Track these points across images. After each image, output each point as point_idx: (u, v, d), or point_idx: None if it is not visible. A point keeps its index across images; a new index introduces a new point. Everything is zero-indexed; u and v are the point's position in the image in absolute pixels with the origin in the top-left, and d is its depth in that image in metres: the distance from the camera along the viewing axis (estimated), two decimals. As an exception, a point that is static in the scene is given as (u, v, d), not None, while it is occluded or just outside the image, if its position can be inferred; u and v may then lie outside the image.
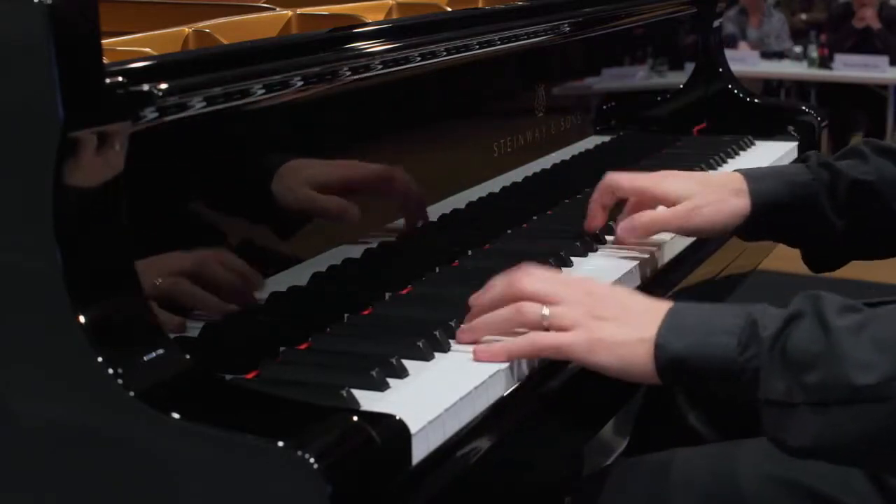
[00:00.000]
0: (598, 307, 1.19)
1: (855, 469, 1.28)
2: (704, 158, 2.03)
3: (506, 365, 1.18)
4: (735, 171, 1.59)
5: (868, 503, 1.27)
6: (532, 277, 1.23)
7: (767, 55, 8.04)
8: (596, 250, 1.57)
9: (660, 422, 1.68)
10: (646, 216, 1.53)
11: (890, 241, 1.61)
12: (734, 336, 1.13)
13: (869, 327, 1.09)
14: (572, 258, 1.52)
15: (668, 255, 1.62)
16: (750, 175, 1.57)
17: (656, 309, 1.18)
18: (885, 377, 1.06)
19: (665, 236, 1.60)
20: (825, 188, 1.56)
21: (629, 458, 1.50)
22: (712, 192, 1.53)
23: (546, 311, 1.19)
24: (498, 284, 1.24)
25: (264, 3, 1.59)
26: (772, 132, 2.29)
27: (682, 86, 2.36)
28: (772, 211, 1.55)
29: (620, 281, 1.46)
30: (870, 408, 1.06)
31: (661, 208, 1.55)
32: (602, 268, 1.50)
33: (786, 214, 1.56)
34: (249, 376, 1.14)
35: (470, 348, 1.21)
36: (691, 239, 1.67)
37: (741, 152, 2.17)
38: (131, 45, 1.25)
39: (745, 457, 1.34)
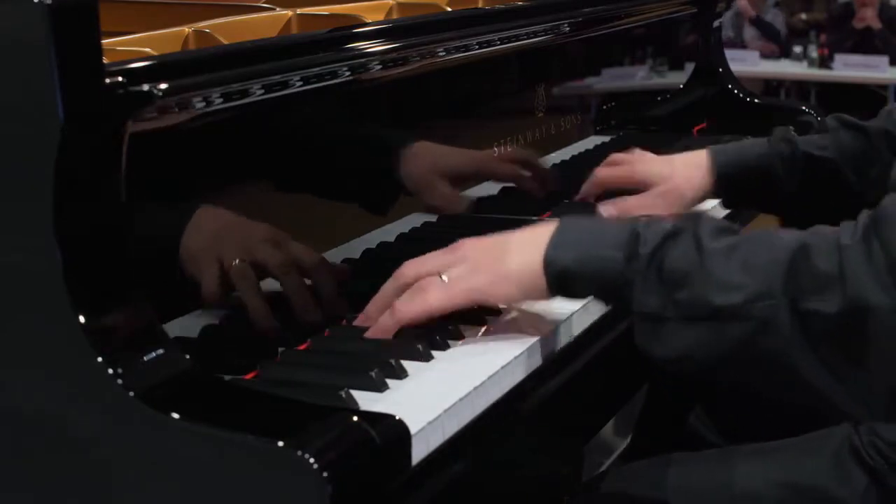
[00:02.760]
0: (489, 251, 1.24)
1: (855, 467, 1.28)
2: (704, 159, 2.03)
3: (505, 365, 1.18)
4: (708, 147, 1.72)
5: (864, 498, 1.27)
6: (416, 263, 1.25)
7: (770, 55, 8.03)
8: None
9: (661, 424, 1.68)
10: (630, 203, 1.65)
11: (849, 207, 1.65)
12: (620, 249, 1.17)
13: (739, 249, 1.13)
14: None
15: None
16: (714, 149, 1.70)
17: (544, 231, 1.23)
18: (747, 298, 1.10)
19: None
20: (781, 161, 1.67)
21: (627, 462, 1.50)
22: (682, 170, 1.67)
23: (444, 276, 1.22)
24: (387, 285, 1.25)
25: (264, 3, 1.59)
26: (772, 132, 2.29)
27: (682, 86, 2.36)
28: (732, 181, 1.67)
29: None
30: (729, 326, 1.11)
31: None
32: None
33: (745, 184, 1.68)
34: (248, 377, 1.14)
35: (470, 348, 1.21)
36: None
37: (741, 152, 2.17)
38: (131, 45, 1.25)
39: (744, 460, 1.34)
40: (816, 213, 1.65)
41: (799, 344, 1.09)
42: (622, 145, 2.03)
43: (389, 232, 1.45)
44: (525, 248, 1.22)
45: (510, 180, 1.69)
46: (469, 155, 1.60)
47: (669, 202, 1.65)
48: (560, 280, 1.20)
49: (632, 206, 1.66)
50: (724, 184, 1.66)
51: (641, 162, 1.70)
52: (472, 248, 1.25)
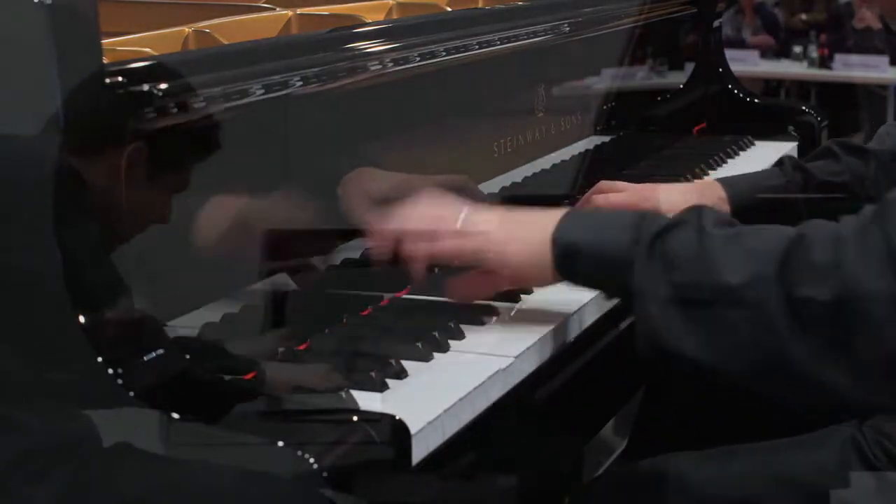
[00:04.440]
0: (507, 214, 1.28)
1: (859, 466, 1.29)
2: (704, 159, 2.03)
3: (505, 366, 1.18)
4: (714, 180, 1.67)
5: (868, 497, 1.27)
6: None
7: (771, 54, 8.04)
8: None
9: (661, 424, 1.68)
10: None
11: None
12: (627, 231, 1.19)
13: (739, 237, 1.15)
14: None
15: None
16: (726, 182, 1.65)
17: (560, 211, 1.26)
18: (741, 283, 1.10)
19: None
20: (799, 190, 1.64)
21: (627, 462, 1.51)
22: (697, 200, 1.56)
23: (462, 215, 1.26)
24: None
25: (264, 3, 1.59)
26: (772, 132, 2.29)
27: (682, 86, 2.36)
28: (749, 215, 1.58)
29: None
30: (723, 312, 1.11)
31: None
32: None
33: (762, 218, 1.59)
34: (249, 377, 1.13)
35: (470, 349, 1.22)
36: None
37: (741, 152, 2.17)
38: (131, 45, 1.25)
39: (744, 460, 1.34)
40: None
41: (791, 331, 1.08)
42: (622, 145, 2.03)
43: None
44: (543, 220, 1.24)
45: None
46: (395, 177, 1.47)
47: None
48: (564, 255, 1.21)
49: None
50: (738, 217, 1.62)
51: (647, 188, 1.63)
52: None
